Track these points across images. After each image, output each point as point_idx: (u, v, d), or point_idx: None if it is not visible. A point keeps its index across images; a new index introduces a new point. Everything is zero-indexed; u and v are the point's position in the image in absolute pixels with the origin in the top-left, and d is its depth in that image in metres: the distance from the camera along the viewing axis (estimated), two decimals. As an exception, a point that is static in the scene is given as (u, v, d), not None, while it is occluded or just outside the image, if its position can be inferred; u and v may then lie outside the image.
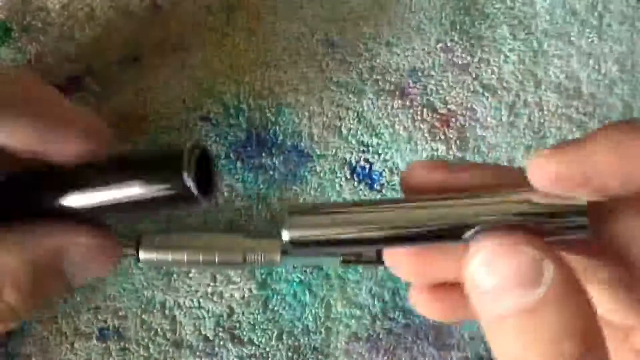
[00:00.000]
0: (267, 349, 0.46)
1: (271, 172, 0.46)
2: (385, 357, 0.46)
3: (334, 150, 0.46)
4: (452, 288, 0.34)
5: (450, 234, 0.30)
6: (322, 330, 0.46)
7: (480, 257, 0.29)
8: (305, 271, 0.46)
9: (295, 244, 0.31)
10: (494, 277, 0.28)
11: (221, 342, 0.45)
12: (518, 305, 0.27)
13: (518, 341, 0.27)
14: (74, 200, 0.35)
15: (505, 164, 0.46)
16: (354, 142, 0.46)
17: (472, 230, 0.30)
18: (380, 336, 0.46)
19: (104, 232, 0.37)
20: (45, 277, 0.35)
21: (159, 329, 0.45)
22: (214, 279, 0.46)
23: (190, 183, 0.34)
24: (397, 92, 0.47)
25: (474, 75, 0.47)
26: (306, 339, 0.46)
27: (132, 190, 0.35)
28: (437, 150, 0.46)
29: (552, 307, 0.27)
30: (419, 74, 0.47)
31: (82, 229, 0.36)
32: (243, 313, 0.46)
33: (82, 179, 0.36)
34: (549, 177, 0.29)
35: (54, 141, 0.34)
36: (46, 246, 0.35)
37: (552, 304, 0.27)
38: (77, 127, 0.35)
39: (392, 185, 0.46)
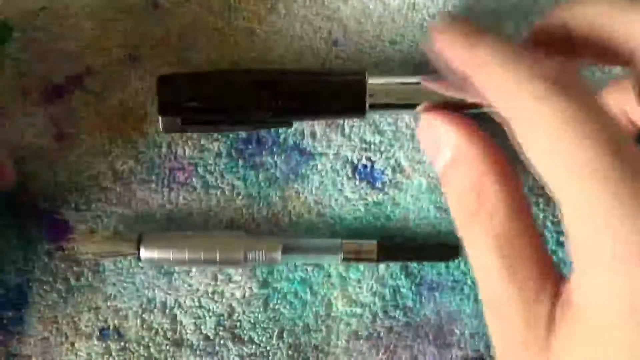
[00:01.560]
0: (268, 348, 0.46)
1: (272, 171, 0.46)
2: (386, 356, 0.46)
3: (336, 149, 0.46)
4: None
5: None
6: (323, 328, 0.46)
7: (422, 123, 0.38)
8: (306, 269, 0.46)
9: None
10: (424, 146, 0.38)
11: (222, 341, 0.46)
12: (439, 167, 0.35)
13: (446, 193, 0.35)
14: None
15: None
16: (356, 140, 0.46)
17: (421, 106, 0.40)
18: (381, 335, 0.46)
19: None
20: None
21: (159, 329, 0.46)
22: (215, 278, 0.46)
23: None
24: (400, 91, 0.46)
25: (477, 74, 0.47)
26: (307, 337, 0.46)
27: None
28: (439, 148, 0.46)
29: (457, 168, 0.34)
30: (423, 71, 0.47)
31: None
32: (244, 312, 0.46)
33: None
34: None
35: None
36: None
37: (456, 165, 0.34)
38: None
39: (395, 183, 0.46)
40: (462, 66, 0.34)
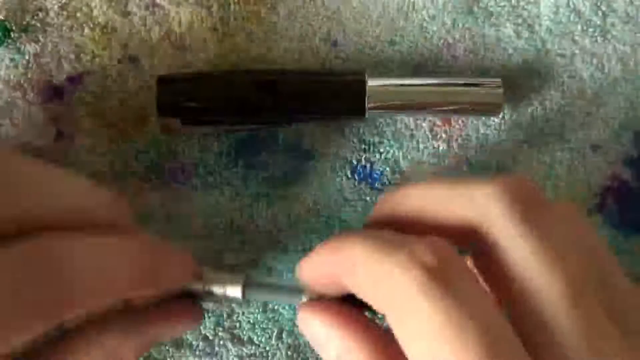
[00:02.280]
0: (267, 348, 0.46)
1: (272, 171, 0.46)
2: (385, 356, 0.46)
3: (335, 149, 0.46)
4: None
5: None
6: (322, 329, 0.46)
7: (300, 322, 0.36)
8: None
9: None
10: (308, 338, 0.36)
11: (221, 342, 0.46)
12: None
13: None
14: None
15: (508, 162, 0.46)
16: (355, 140, 0.46)
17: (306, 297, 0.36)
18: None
19: (191, 305, 0.40)
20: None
21: (159, 329, 0.46)
22: (214, 279, 0.46)
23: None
24: (399, 91, 0.46)
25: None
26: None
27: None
28: (438, 148, 0.46)
29: None
30: (422, 71, 0.47)
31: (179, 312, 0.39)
32: (243, 313, 0.46)
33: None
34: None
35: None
36: (151, 337, 0.38)
37: None
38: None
39: (394, 184, 0.46)
40: (333, 276, 0.33)
